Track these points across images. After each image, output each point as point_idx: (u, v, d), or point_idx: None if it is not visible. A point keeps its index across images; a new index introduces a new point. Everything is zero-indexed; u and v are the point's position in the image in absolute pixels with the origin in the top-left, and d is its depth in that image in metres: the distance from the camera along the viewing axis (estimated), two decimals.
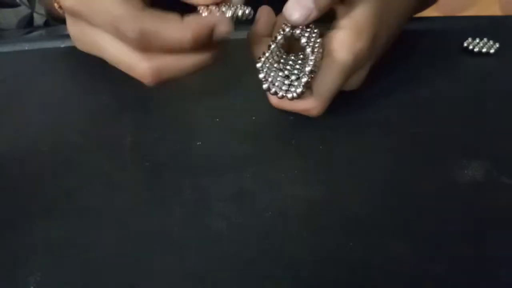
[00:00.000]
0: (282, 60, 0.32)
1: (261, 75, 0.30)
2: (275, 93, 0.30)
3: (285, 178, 0.30)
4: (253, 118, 0.35)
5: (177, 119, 0.35)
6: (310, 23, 0.31)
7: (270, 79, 0.30)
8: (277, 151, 0.33)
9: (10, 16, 0.53)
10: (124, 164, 0.31)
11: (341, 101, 0.33)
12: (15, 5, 0.53)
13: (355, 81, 0.34)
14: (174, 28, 0.25)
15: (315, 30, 0.31)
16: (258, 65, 0.30)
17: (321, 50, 0.31)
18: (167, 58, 0.27)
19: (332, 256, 0.25)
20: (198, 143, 0.33)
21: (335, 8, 0.32)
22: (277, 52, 0.31)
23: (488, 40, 0.42)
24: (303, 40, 0.30)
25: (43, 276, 0.25)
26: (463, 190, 0.29)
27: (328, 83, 0.31)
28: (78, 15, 0.28)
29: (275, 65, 0.31)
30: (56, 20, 0.54)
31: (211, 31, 0.26)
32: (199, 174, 0.31)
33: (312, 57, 0.30)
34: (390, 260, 0.25)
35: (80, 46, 0.30)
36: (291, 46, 0.33)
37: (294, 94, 0.29)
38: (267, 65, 0.30)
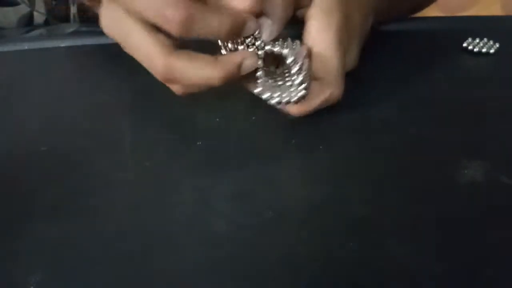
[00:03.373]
0: (276, 77, 0.32)
1: (265, 96, 0.31)
2: (288, 102, 0.30)
3: (285, 178, 0.30)
4: (253, 118, 0.35)
5: (177, 119, 0.36)
6: (278, 35, 0.32)
7: (276, 94, 0.31)
8: (277, 151, 0.33)
9: (10, 15, 0.53)
10: (124, 164, 0.31)
11: (341, 100, 0.33)
12: (15, 4, 0.53)
13: (350, 61, 0.35)
14: (217, 14, 0.27)
15: (287, 38, 0.32)
16: (258, 90, 0.31)
17: (303, 47, 0.32)
18: (185, 59, 0.28)
19: (332, 256, 0.25)
20: (198, 143, 0.33)
21: (297, 14, 0.34)
22: (267, 75, 0.32)
23: (488, 40, 0.42)
24: (276, 48, 0.31)
25: (43, 276, 0.25)
26: (463, 190, 0.29)
27: (327, 62, 0.32)
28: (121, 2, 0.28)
29: (273, 84, 0.31)
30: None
31: (243, 27, 0.29)
32: (199, 174, 0.31)
33: (292, 51, 0.31)
34: (390, 260, 0.25)
35: (108, 30, 0.30)
36: (278, 62, 0.34)
37: (301, 87, 0.30)
38: (266, 85, 0.31)
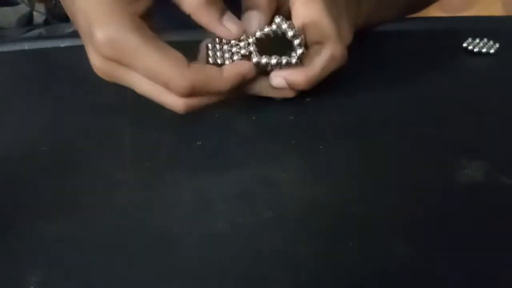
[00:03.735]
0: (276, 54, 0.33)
1: (264, 60, 0.32)
2: (288, 63, 0.32)
3: (285, 178, 0.30)
4: (253, 118, 0.35)
5: (177, 119, 0.35)
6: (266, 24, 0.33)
7: (274, 56, 0.32)
8: (277, 151, 0.33)
9: (10, 15, 0.53)
10: (124, 164, 0.31)
11: (341, 100, 0.33)
12: (14, 4, 0.53)
13: (344, 32, 0.35)
14: (217, 82, 0.30)
15: (276, 20, 0.32)
16: (255, 59, 0.32)
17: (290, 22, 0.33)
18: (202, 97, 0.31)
19: (332, 256, 0.25)
20: (198, 143, 0.33)
21: (280, 4, 0.35)
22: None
23: (488, 40, 0.42)
24: (267, 29, 0.32)
25: (43, 276, 0.25)
26: (463, 190, 0.29)
27: (320, 23, 0.33)
28: (114, 60, 0.29)
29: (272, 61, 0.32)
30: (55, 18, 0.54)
31: (243, 81, 0.32)
32: (199, 174, 0.31)
33: (283, 20, 0.32)
34: (390, 260, 0.25)
35: (103, 76, 0.32)
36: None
37: (298, 45, 0.31)
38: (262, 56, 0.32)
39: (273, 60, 0.32)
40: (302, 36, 0.32)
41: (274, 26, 0.32)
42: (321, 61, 0.33)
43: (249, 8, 0.33)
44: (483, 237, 0.26)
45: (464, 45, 0.42)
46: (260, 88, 0.34)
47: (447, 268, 0.25)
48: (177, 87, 0.29)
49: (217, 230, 0.27)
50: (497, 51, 0.41)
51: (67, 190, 0.30)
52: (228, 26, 0.32)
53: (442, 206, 0.28)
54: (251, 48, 0.32)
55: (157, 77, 0.29)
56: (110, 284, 0.24)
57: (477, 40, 0.42)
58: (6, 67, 0.42)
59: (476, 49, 0.41)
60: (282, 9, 0.35)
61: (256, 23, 0.33)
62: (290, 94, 0.34)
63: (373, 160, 0.32)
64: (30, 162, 0.32)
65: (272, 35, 0.32)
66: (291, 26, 0.31)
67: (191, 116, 0.32)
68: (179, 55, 0.29)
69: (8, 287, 0.24)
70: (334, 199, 0.29)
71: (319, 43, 0.33)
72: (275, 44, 0.32)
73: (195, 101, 0.31)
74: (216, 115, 0.35)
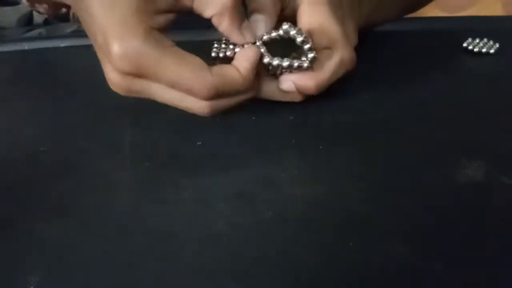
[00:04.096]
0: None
1: (275, 62, 0.32)
2: (300, 67, 0.32)
3: (285, 178, 0.30)
4: (253, 118, 0.35)
5: (177, 119, 0.36)
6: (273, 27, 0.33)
7: (286, 58, 0.32)
8: (277, 151, 0.33)
9: (10, 14, 0.53)
10: (124, 164, 0.31)
11: (341, 100, 0.33)
12: (15, 3, 0.53)
13: (350, 33, 0.35)
14: (239, 82, 0.31)
15: (283, 27, 0.32)
16: (267, 60, 0.32)
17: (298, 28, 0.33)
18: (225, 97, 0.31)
19: (332, 256, 0.25)
20: (198, 143, 0.33)
21: (285, 7, 0.35)
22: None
23: (488, 40, 0.42)
24: (274, 33, 0.32)
25: (43, 276, 0.25)
26: (463, 190, 0.29)
27: (330, 27, 0.33)
28: (135, 74, 0.29)
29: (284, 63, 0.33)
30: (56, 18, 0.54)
31: (253, 79, 0.32)
32: (199, 174, 0.31)
33: (292, 26, 0.32)
34: (390, 260, 0.25)
35: (121, 92, 0.31)
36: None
37: (309, 49, 0.32)
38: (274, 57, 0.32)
39: (285, 63, 0.32)
40: (311, 40, 0.32)
41: (281, 32, 0.32)
42: (331, 65, 0.33)
43: (255, 11, 0.33)
44: (483, 237, 0.26)
45: (464, 45, 0.42)
46: (268, 91, 0.34)
47: (447, 268, 0.25)
48: (201, 92, 0.29)
49: (217, 230, 0.27)
50: (497, 51, 0.41)
51: (67, 190, 0.30)
52: (244, 33, 0.32)
53: (442, 206, 0.28)
54: (262, 50, 0.32)
55: (180, 84, 0.29)
56: (110, 284, 0.24)
57: (477, 40, 0.42)
58: (6, 67, 0.42)
59: (476, 49, 0.41)
60: (286, 10, 0.35)
61: (263, 27, 0.33)
62: (298, 98, 0.34)
63: (373, 160, 0.32)
64: (30, 162, 0.32)
65: (278, 39, 0.32)
66: (299, 32, 0.32)
67: (191, 116, 0.32)
68: (198, 60, 0.30)
69: (8, 287, 0.24)
70: (334, 199, 0.29)
71: (327, 47, 0.33)
72: (280, 45, 0.32)
73: (219, 103, 0.31)
74: (217, 119, 0.35)
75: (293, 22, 0.33)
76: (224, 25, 0.31)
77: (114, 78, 0.30)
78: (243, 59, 0.31)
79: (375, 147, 0.33)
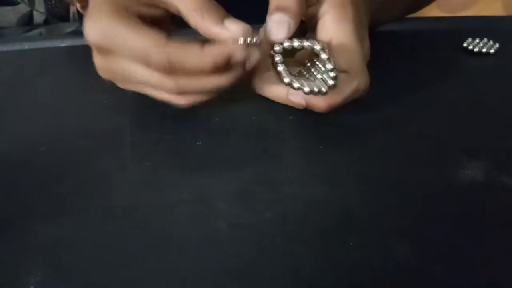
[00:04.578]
0: (306, 72, 0.33)
1: (296, 85, 0.31)
2: (319, 92, 0.31)
3: (285, 178, 0.30)
4: (253, 118, 0.35)
5: (177, 119, 0.36)
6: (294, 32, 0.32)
7: (307, 83, 0.31)
8: (277, 151, 0.33)
9: (10, 14, 0.53)
10: (124, 164, 0.31)
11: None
12: (14, 3, 0.53)
13: (366, 51, 0.35)
14: (196, 56, 0.29)
15: (303, 39, 0.32)
16: (287, 80, 0.31)
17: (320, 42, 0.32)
18: (191, 77, 0.30)
19: (332, 256, 0.25)
20: (198, 143, 0.33)
21: (306, 14, 0.34)
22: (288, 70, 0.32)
23: (488, 40, 0.42)
24: (296, 43, 0.31)
25: (43, 276, 0.25)
26: (463, 190, 0.29)
27: (351, 55, 0.32)
28: (104, 50, 0.31)
29: (305, 77, 0.32)
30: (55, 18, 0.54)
31: (229, 58, 0.29)
32: (199, 174, 0.31)
33: (317, 42, 0.31)
34: (390, 260, 0.25)
35: (105, 75, 0.33)
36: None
37: (332, 77, 0.31)
38: (292, 77, 0.31)
39: (306, 88, 0.31)
40: (337, 71, 0.31)
41: (306, 43, 0.31)
42: (347, 91, 0.32)
43: (277, 9, 0.31)
44: (483, 237, 0.26)
45: (464, 45, 0.42)
46: (272, 92, 0.34)
47: (447, 268, 0.25)
48: (155, 62, 0.29)
49: (217, 230, 0.27)
50: (497, 51, 0.41)
51: (67, 190, 0.30)
52: (230, 27, 0.30)
53: (442, 206, 0.28)
54: (281, 68, 0.31)
55: (138, 55, 0.29)
56: (110, 284, 0.24)
57: (477, 40, 0.42)
58: (6, 67, 0.42)
59: (476, 49, 0.41)
60: (306, 13, 0.34)
61: (286, 29, 0.31)
62: (302, 107, 0.34)
63: (373, 160, 0.32)
64: (30, 162, 0.32)
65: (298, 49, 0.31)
66: (324, 50, 0.30)
67: (192, 116, 0.32)
68: (158, 32, 0.29)
69: (8, 287, 0.24)
70: (334, 199, 0.29)
71: (345, 71, 0.32)
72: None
73: (186, 83, 0.30)
74: (217, 119, 0.35)
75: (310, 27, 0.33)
76: (202, 24, 0.30)
77: (97, 62, 0.32)
78: (218, 45, 0.29)
79: (375, 147, 0.33)
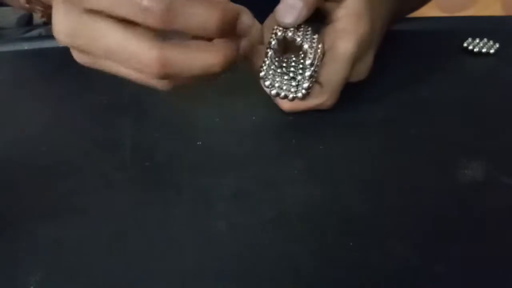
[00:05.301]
0: (284, 64, 0.32)
1: (267, 83, 0.30)
2: (285, 97, 0.31)
3: (285, 178, 0.30)
4: (253, 118, 0.35)
5: (177, 119, 0.35)
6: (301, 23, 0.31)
7: (277, 85, 0.30)
8: (277, 151, 0.33)
9: (10, 15, 0.53)
10: (124, 164, 0.31)
11: (341, 100, 0.33)
12: None
13: (362, 69, 0.34)
14: (203, 5, 0.23)
15: (308, 28, 0.32)
16: (262, 74, 0.30)
17: (320, 45, 0.31)
18: (178, 49, 0.24)
19: (332, 256, 0.25)
20: (198, 143, 0.33)
21: (322, 6, 0.33)
22: (276, 58, 0.31)
23: (488, 40, 0.42)
24: (298, 39, 0.31)
25: (43, 276, 0.25)
26: (463, 190, 0.29)
27: (335, 73, 0.32)
28: (77, 48, 0.25)
29: (278, 70, 0.31)
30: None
31: (236, 20, 0.25)
32: (199, 174, 0.31)
33: (311, 51, 0.30)
34: (390, 260, 0.25)
35: (64, 37, 0.25)
36: (286, 48, 0.33)
37: (303, 91, 0.30)
38: (270, 72, 0.30)
39: (273, 91, 0.31)
40: (313, 70, 0.30)
41: (298, 39, 0.30)
42: (311, 104, 0.33)
43: None
44: (483, 237, 0.26)
45: (464, 45, 0.42)
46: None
47: (447, 268, 0.25)
48: (153, 5, 0.22)
49: (216, 230, 0.27)
50: (497, 51, 0.41)
51: (67, 190, 0.30)
52: None
53: (442, 206, 0.28)
54: (265, 64, 0.30)
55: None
56: (110, 284, 0.24)
57: (477, 40, 0.42)
58: (6, 67, 0.42)
59: (476, 49, 0.41)
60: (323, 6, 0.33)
61: (294, 16, 0.30)
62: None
63: (373, 160, 0.32)
64: (30, 162, 0.32)
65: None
66: (312, 65, 0.30)
67: (192, 116, 0.32)
68: None
69: (8, 287, 0.24)
70: (334, 199, 0.29)
71: (321, 84, 0.32)
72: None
73: (171, 54, 0.24)
74: (217, 119, 0.35)
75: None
76: None
77: (56, 14, 0.25)
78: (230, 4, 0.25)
79: (375, 147, 0.33)
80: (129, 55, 0.24)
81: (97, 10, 0.24)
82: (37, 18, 0.53)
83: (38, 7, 0.37)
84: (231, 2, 0.25)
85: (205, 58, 0.25)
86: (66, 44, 0.26)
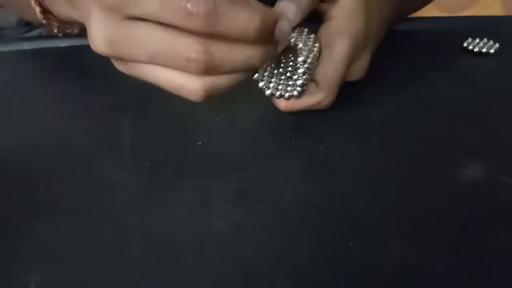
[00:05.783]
0: (281, 64, 0.32)
1: (260, 84, 0.30)
2: (281, 96, 0.30)
3: (285, 178, 0.30)
4: (253, 118, 0.35)
5: (177, 119, 0.35)
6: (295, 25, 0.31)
7: (272, 85, 0.30)
8: (277, 151, 0.33)
9: (10, 15, 0.53)
10: (124, 164, 0.31)
11: (341, 100, 0.33)
12: None
13: (359, 69, 0.34)
14: (245, 9, 0.24)
15: (304, 28, 0.32)
16: (256, 75, 0.30)
17: (316, 45, 0.32)
18: (222, 41, 0.24)
19: (331, 256, 0.25)
20: (198, 143, 0.33)
21: (318, 8, 0.33)
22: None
23: (488, 40, 0.42)
24: (293, 39, 0.31)
25: (43, 276, 0.25)
26: (463, 190, 0.29)
27: (331, 72, 0.32)
28: (117, 56, 0.26)
29: (275, 71, 0.31)
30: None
31: (275, 25, 0.25)
32: (199, 174, 0.31)
33: (305, 48, 0.31)
34: (390, 260, 0.25)
35: (103, 46, 0.26)
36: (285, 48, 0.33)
37: (298, 89, 0.30)
38: (266, 74, 0.31)
39: (267, 91, 0.31)
40: (307, 67, 0.30)
41: (299, 45, 0.31)
42: (308, 103, 0.33)
43: None
44: (483, 237, 0.26)
45: (464, 45, 0.42)
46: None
47: (447, 268, 0.25)
48: (197, 9, 0.22)
49: (216, 230, 0.27)
50: (497, 51, 0.41)
51: (67, 190, 0.30)
52: None
53: (442, 206, 0.28)
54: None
55: (165, 4, 0.23)
56: (110, 284, 0.24)
57: (477, 40, 0.42)
58: (6, 67, 0.42)
59: (476, 49, 0.41)
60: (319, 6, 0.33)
61: (289, 16, 0.29)
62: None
63: (373, 160, 0.32)
64: (30, 162, 0.32)
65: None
66: (305, 63, 0.30)
67: (192, 115, 0.32)
68: None
69: (8, 287, 0.24)
70: (334, 199, 0.29)
71: (317, 82, 0.32)
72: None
73: (214, 80, 0.25)
74: (217, 119, 0.35)
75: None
76: None
77: (96, 22, 0.25)
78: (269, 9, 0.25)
79: (375, 147, 0.33)
80: (175, 52, 0.24)
81: (142, 15, 0.24)
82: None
83: (55, 23, 0.38)
84: (271, 8, 0.25)
85: (246, 50, 0.25)
86: (104, 52, 0.26)
